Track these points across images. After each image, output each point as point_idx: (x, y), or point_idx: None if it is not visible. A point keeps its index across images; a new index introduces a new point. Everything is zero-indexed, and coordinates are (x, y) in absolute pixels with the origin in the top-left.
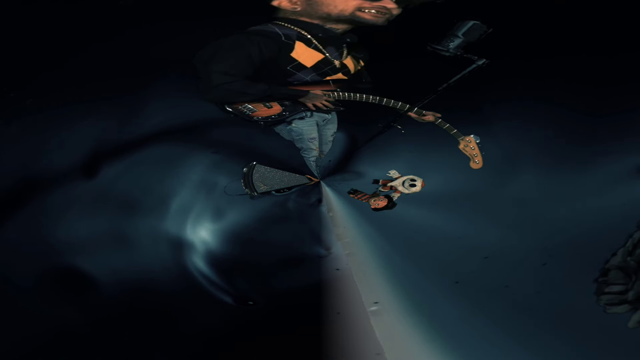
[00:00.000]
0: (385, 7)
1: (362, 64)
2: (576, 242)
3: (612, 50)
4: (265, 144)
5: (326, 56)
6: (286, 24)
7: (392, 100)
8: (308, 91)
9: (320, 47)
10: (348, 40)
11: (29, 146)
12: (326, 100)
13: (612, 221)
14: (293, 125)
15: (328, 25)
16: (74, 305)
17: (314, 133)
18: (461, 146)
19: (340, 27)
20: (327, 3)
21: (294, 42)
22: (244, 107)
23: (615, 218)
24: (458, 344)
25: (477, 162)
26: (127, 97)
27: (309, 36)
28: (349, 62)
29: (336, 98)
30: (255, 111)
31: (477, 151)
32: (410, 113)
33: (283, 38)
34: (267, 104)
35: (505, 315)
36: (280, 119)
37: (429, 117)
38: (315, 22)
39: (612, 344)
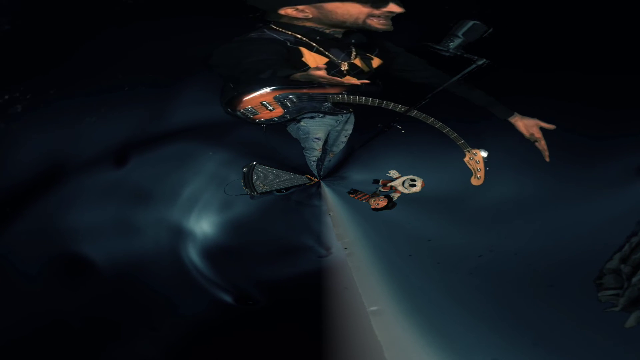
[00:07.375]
0: (391, 12)
1: (380, 61)
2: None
3: (613, 70)
4: (278, 145)
5: (331, 59)
6: (281, 29)
7: (392, 103)
8: None
9: (322, 50)
10: (353, 40)
11: (56, 133)
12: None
13: (600, 223)
14: (301, 123)
15: (329, 30)
16: (69, 289)
17: (320, 133)
18: (466, 158)
19: (341, 31)
20: (341, 12)
21: (298, 47)
22: (246, 110)
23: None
24: (458, 346)
25: (478, 178)
26: (161, 89)
27: (307, 40)
28: (358, 62)
29: (338, 101)
30: (257, 114)
31: (481, 166)
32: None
33: (289, 44)
34: (269, 106)
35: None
36: (282, 122)
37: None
38: (315, 26)
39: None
